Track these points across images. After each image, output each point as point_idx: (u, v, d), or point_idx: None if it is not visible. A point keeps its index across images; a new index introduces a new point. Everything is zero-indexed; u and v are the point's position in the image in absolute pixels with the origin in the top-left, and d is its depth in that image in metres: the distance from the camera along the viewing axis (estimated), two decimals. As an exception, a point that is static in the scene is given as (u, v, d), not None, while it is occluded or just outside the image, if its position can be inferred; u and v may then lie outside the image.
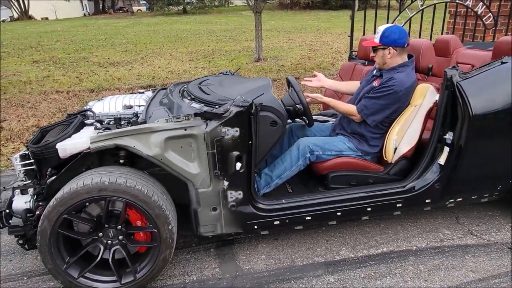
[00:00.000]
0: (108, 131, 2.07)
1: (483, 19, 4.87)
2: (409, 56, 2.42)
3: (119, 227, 2.05)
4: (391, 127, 2.38)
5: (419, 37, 4.99)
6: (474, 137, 2.21)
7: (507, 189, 2.45)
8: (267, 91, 2.25)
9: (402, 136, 2.35)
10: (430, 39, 5.14)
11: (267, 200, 2.28)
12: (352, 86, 2.76)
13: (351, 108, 2.42)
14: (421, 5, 4.68)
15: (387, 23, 4.62)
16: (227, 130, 2.02)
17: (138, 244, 2.10)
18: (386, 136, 2.39)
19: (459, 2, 4.87)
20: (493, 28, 4.96)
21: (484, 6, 4.80)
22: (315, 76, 2.73)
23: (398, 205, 2.36)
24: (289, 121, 2.61)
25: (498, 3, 4.89)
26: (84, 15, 32.98)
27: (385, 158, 2.43)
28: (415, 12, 4.66)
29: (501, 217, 2.63)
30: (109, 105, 2.61)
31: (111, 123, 2.28)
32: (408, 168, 2.44)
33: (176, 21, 20.15)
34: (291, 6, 25.44)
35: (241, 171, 2.10)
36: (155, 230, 2.02)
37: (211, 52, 10.27)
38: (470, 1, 4.79)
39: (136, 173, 2.07)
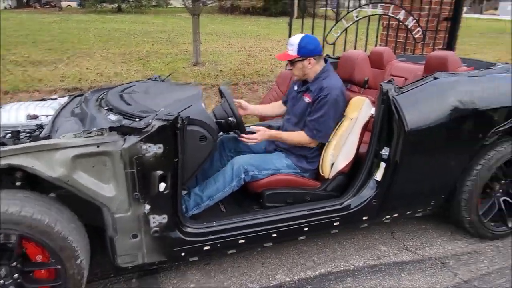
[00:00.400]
0: (2, 147, 1.70)
1: (413, 33, 5.09)
2: (325, 60, 2.35)
3: (14, 263, 1.69)
4: (328, 141, 2.28)
5: (355, 48, 5.08)
6: (409, 152, 2.17)
7: (439, 204, 2.46)
8: (197, 102, 2.03)
9: (339, 151, 2.26)
10: (365, 51, 5.26)
11: (196, 223, 2.05)
12: (278, 108, 2.63)
13: (303, 138, 2.26)
14: (356, 17, 4.76)
15: (324, 31, 4.63)
16: (149, 146, 1.75)
17: (37, 283, 1.76)
18: (323, 151, 2.29)
19: (391, 15, 5.03)
20: (422, 42, 5.21)
21: (414, 20, 5.01)
22: (237, 104, 2.54)
23: (335, 224, 2.26)
24: (221, 133, 2.41)
25: (426, 19, 5.15)
26: (5, 8, 30.05)
27: (322, 174, 2.32)
28: (351, 23, 4.73)
29: (433, 231, 2.65)
30: (9, 114, 2.20)
31: (7, 137, 1.90)
32: (346, 184, 2.36)
33: (109, 20, 19.07)
34: (232, 10, 25.37)
35: (165, 192, 1.85)
36: (59, 266, 1.70)
37: (146, 54, 9.77)
38: (401, 15, 4.97)
39: (36, 198, 1.73)
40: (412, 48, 5.32)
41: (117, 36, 12.88)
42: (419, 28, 5.12)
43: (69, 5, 30.28)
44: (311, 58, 2.22)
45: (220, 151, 2.44)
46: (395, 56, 3.39)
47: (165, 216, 1.89)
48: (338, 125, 2.27)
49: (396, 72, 3.16)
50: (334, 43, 4.70)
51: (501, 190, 2.51)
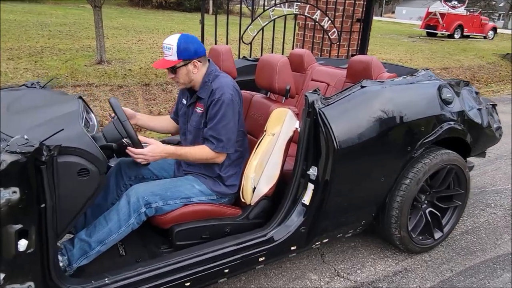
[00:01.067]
0: None
1: (329, 34, 5.02)
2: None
3: None
4: (247, 163, 1.93)
5: (272, 49, 4.84)
6: (339, 170, 1.92)
7: (369, 222, 2.28)
8: (74, 122, 1.53)
9: (261, 173, 1.92)
10: (282, 53, 5.06)
11: (81, 282, 1.55)
12: (165, 122, 2.22)
13: (206, 152, 1.86)
14: (272, 15, 4.51)
15: (240, 29, 4.29)
16: (-4, 192, 1.22)
17: None
18: (243, 175, 1.93)
19: (307, 15, 4.89)
20: (337, 43, 5.17)
21: (330, 21, 4.93)
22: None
23: (260, 259, 1.92)
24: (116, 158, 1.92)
25: (341, 19, 5.11)
26: None
27: (243, 200, 1.97)
28: (267, 22, 4.47)
29: (363, 248, 2.47)
30: None
31: None
32: (270, 208, 2.04)
33: (-3, 9, 16.59)
34: (143, 4, 23.93)
35: (28, 251, 1.33)
36: None
37: (39, 50, 8.52)
38: (317, 15, 4.85)
39: None
40: (328, 49, 5.28)
41: (4, 28, 11.12)
42: (334, 29, 5.07)
43: None
44: (196, 60, 1.85)
45: (117, 179, 1.95)
46: (315, 59, 3.18)
47: (31, 284, 1.37)
48: (258, 143, 1.93)
49: (317, 77, 2.95)
50: (251, 43, 4.39)
51: (426, 202, 2.41)
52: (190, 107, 1.98)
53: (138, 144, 1.72)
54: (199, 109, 1.91)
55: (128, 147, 1.73)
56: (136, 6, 23.72)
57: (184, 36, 1.84)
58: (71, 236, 1.80)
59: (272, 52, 4.92)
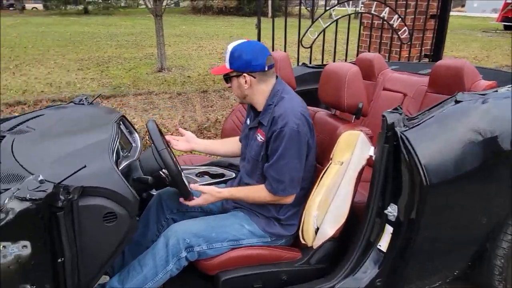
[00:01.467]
0: None
1: (399, 33, 4.48)
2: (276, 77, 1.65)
3: None
4: (309, 197, 1.58)
5: (334, 52, 4.42)
6: (428, 211, 1.49)
7: (463, 272, 1.81)
8: (103, 154, 1.30)
9: (326, 211, 1.56)
10: (346, 57, 4.61)
11: None
12: (232, 145, 1.89)
13: (264, 194, 1.55)
14: (334, 15, 4.10)
15: (299, 32, 3.94)
16: (3, 248, 1.02)
17: None
18: (304, 212, 1.59)
19: (374, 13, 4.41)
20: (408, 43, 4.61)
21: (400, 18, 4.40)
22: (180, 134, 1.83)
23: (324, 317, 1.56)
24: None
25: (413, 16, 4.55)
26: (-34, 12, 28.20)
27: (303, 241, 1.62)
28: (328, 23, 4.07)
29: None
30: None
31: None
32: (336, 250, 1.67)
33: (73, 22, 17.92)
34: (204, 11, 24.51)
35: (44, 314, 1.11)
36: None
37: (107, 59, 8.88)
38: (385, 13, 4.35)
39: None
40: (398, 50, 4.73)
41: (78, 40, 11.88)
42: (405, 28, 4.52)
43: (35, 8, 28.59)
44: (247, 74, 1.53)
45: (157, 212, 1.70)
46: (386, 65, 2.74)
47: None
48: (322, 174, 1.57)
49: (391, 85, 2.51)
50: (311, 47, 4.02)
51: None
52: (252, 131, 1.66)
53: (177, 176, 1.45)
54: (259, 138, 1.59)
55: (180, 199, 1.55)
56: (198, 13, 24.38)
57: (245, 43, 1.54)
58: (107, 278, 1.58)
59: (334, 57, 4.52)
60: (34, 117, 1.83)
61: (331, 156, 1.58)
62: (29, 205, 1.02)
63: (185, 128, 4.88)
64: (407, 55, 4.77)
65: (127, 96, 6.22)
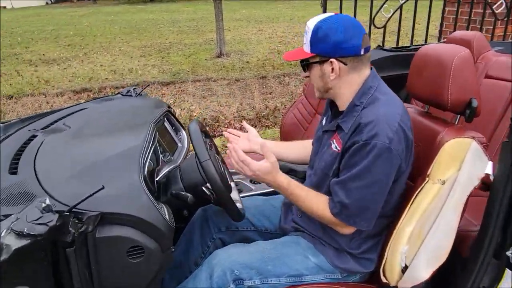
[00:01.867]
0: None
1: (493, 7, 3.77)
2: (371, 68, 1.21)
3: None
4: (396, 226, 1.20)
5: (413, 31, 3.83)
6: None
7: None
8: (132, 166, 1.03)
9: (419, 246, 1.17)
10: (426, 38, 3.99)
11: None
12: (300, 150, 1.50)
13: (323, 209, 1.18)
14: (413, -11, 3.50)
15: (371, 11, 3.42)
16: (-5, 295, 0.79)
17: None
18: (389, 244, 1.21)
19: (464, -16, 3.73)
20: (505, 18, 3.87)
21: (496, -11, 3.68)
22: (242, 129, 1.47)
23: None
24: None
25: (512, -14, 3.79)
26: (47, 3, 30.48)
27: (384, 280, 1.25)
28: (406, -1, 3.50)
29: None
30: None
31: None
32: (426, 290, 1.28)
33: (140, 10, 18.49)
34: (266, -7, 24.02)
35: None
36: None
37: (168, 45, 8.91)
38: (477, -16, 3.67)
39: None
40: (491, 27, 4.00)
41: (142, 27, 12.14)
42: (501, 0, 3.79)
43: (106, -3, 30.13)
44: (335, 60, 1.14)
45: (202, 230, 1.42)
46: (489, 45, 2.20)
47: None
48: (415, 195, 1.17)
49: (495, 72, 2.00)
50: (384, 27, 3.48)
51: None
52: (326, 135, 1.28)
53: (224, 194, 1.14)
54: (334, 146, 1.20)
55: (228, 130, 1.26)
56: (259, -4, 23.98)
57: (332, 18, 1.13)
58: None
59: (412, 37, 3.92)
60: (77, 111, 1.65)
61: (428, 172, 1.16)
62: (27, 242, 0.77)
63: (243, 117, 4.65)
64: (501, 33, 4.03)
65: (186, 83, 6.12)
